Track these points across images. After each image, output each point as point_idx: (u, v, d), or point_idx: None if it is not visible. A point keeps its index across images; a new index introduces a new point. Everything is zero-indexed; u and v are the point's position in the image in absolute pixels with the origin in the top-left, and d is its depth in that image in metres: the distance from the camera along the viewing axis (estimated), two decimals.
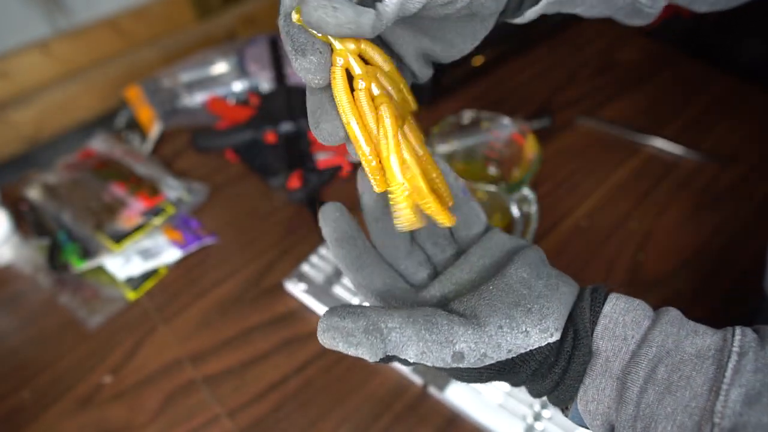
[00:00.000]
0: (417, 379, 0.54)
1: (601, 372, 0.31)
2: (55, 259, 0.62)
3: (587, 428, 0.33)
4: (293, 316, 0.59)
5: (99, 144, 0.74)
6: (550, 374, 0.32)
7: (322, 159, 0.71)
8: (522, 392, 0.52)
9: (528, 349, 0.31)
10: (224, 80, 0.81)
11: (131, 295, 0.61)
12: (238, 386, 0.54)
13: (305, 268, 0.61)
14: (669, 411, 0.29)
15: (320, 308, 0.59)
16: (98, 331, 0.59)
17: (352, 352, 0.29)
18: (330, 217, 0.36)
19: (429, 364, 0.30)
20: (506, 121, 0.61)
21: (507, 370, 0.32)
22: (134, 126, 0.77)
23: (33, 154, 0.93)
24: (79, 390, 0.55)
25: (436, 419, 0.52)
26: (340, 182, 0.72)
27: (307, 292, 0.60)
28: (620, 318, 0.31)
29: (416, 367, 0.54)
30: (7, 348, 0.58)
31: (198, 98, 0.79)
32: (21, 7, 0.86)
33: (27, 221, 0.66)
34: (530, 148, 0.59)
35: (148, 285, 0.62)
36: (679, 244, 0.65)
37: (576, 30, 0.93)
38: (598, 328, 0.32)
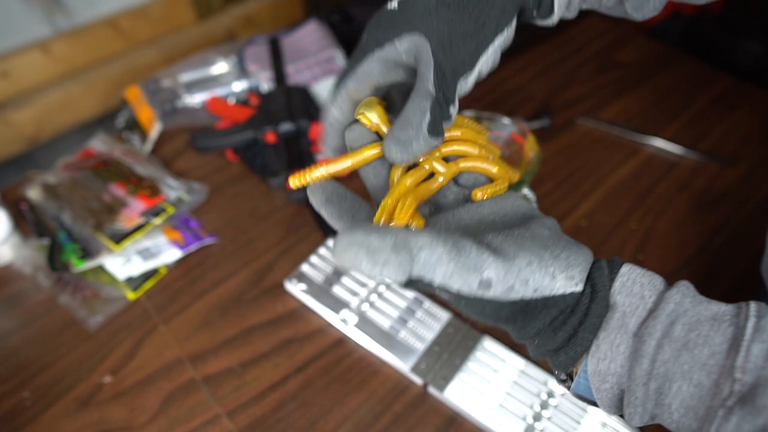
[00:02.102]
0: (417, 379, 0.54)
1: (616, 327, 0.30)
2: (55, 259, 0.62)
3: (590, 401, 0.33)
4: (293, 316, 0.59)
5: (99, 144, 0.74)
6: (564, 326, 0.31)
7: (322, 159, 0.71)
8: (522, 391, 0.52)
9: (552, 293, 0.31)
10: (224, 80, 0.81)
11: (131, 295, 0.61)
12: (238, 386, 0.54)
13: (305, 268, 0.61)
14: (686, 369, 0.28)
15: (320, 308, 0.59)
16: (98, 331, 0.59)
17: (377, 271, 0.27)
18: (317, 183, 0.36)
19: (455, 288, 0.29)
20: (506, 121, 0.61)
21: (527, 312, 0.31)
22: (134, 126, 0.77)
23: (33, 154, 0.93)
24: (79, 390, 0.55)
25: (436, 419, 0.52)
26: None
27: (307, 292, 0.60)
28: (637, 279, 0.32)
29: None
30: (7, 348, 0.58)
31: (198, 98, 0.79)
32: (21, 8, 0.86)
33: (27, 221, 0.66)
34: (530, 148, 0.59)
35: (148, 285, 0.62)
36: (679, 244, 0.65)
37: (576, 30, 0.93)
38: (616, 284, 0.32)
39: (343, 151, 0.39)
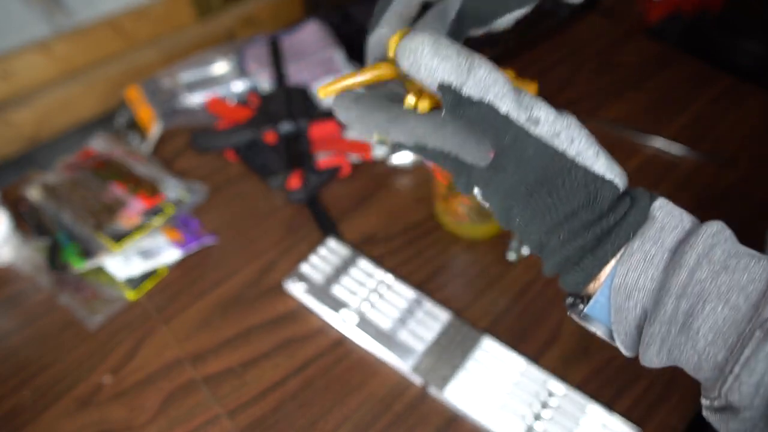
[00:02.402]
0: (417, 379, 0.54)
1: (652, 238, 0.29)
2: (55, 259, 0.62)
3: (604, 323, 0.31)
4: (293, 316, 0.59)
5: (99, 144, 0.74)
6: (599, 222, 0.29)
7: (322, 159, 0.71)
8: (522, 391, 0.52)
9: (593, 170, 0.30)
10: (224, 80, 0.81)
11: (131, 295, 0.61)
12: (238, 386, 0.54)
13: (305, 268, 0.61)
14: (723, 290, 0.27)
15: (320, 308, 0.59)
16: (98, 331, 0.59)
17: (434, 63, 0.28)
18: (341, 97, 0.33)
19: (503, 109, 0.28)
20: None
21: (563, 183, 0.29)
22: (134, 126, 0.77)
23: (33, 154, 0.93)
24: (79, 390, 0.55)
25: (436, 419, 0.52)
26: (340, 182, 0.72)
27: (307, 292, 0.60)
28: (674, 206, 0.31)
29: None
30: (7, 348, 0.58)
31: (198, 98, 0.79)
32: (21, 7, 0.86)
33: (27, 221, 0.66)
34: None
35: (148, 285, 0.62)
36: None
37: (576, 30, 0.93)
38: (656, 203, 0.31)
39: None
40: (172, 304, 0.61)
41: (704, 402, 0.29)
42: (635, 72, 0.87)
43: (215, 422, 0.52)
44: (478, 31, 0.38)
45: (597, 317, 0.31)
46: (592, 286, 0.30)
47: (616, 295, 0.29)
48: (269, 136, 0.72)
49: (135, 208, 0.65)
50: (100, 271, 0.62)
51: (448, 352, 0.55)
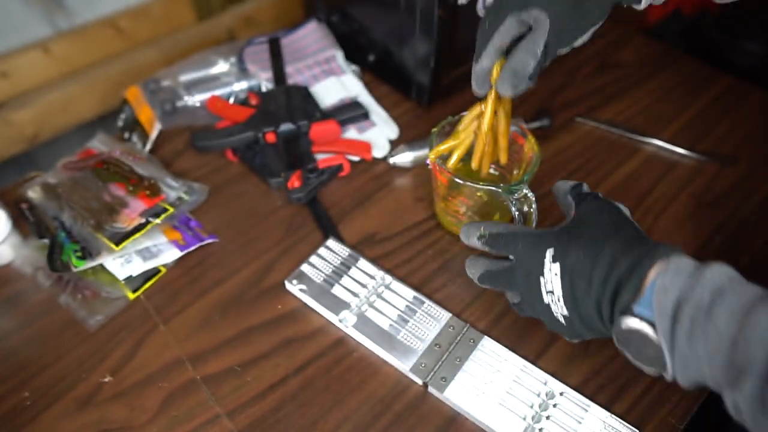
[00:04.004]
0: (417, 379, 0.54)
1: (677, 263, 0.39)
2: (55, 259, 0.62)
3: (647, 319, 0.39)
4: (293, 316, 0.59)
5: (99, 144, 0.74)
6: (632, 250, 0.42)
7: (322, 159, 0.71)
8: (522, 391, 0.52)
9: (624, 212, 0.48)
10: (224, 80, 0.81)
11: (131, 295, 0.61)
12: (238, 386, 0.54)
13: (305, 268, 0.61)
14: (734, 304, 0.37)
15: (320, 308, 0.59)
16: (98, 331, 0.59)
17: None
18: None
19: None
20: None
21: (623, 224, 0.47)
22: (134, 126, 0.77)
23: (33, 154, 0.93)
24: (79, 390, 0.55)
25: (436, 419, 0.52)
26: (340, 182, 0.72)
27: (307, 292, 0.60)
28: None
29: (417, 365, 0.54)
30: (7, 348, 0.58)
31: (198, 98, 0.79)
32: (21, 8, 0.86)
33: (27, 221, 0.66)
34: (530, 148, 0.59)
35: (148, 285, 0.62)
36: (679, 244, 0.65)
37: None
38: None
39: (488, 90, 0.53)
40: (172, 304, 0.61)
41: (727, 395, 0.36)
42: (635, 72, 0.87)
43: (215, 422, 0.52)
44: (563, 52, 0.49)
45: (642, 313, 0.39)
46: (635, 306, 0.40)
47: (656, 294, 0.38)
48: (269, 136, 0.72)
49: (135, 208, 0.65)
50: (100, 271, 0.62)
51: (448, 352, 0.55)
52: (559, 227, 0.47)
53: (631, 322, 0.39)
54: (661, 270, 0.39)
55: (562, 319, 0.46)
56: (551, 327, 0.49)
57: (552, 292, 0.45)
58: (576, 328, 0.46)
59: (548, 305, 0.46)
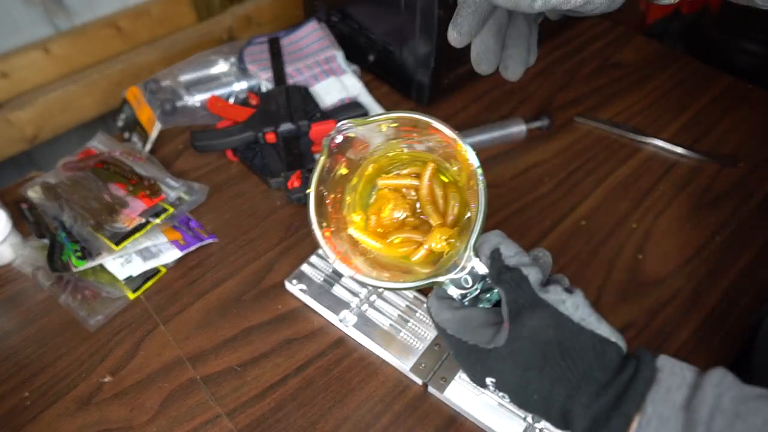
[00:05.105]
0: (417, 379, 0.54)
1: (662, 400, 0.31)
2: (55, 259, 0.62)
3: None
4: (293, 316, 0.59)
5: (99, 144, 0.74)
6: (614, 381, 0.32)
7: None
8: None
9: (598, 333, 0.34)
10: (224, 80, 0.81)
11: (131, 295, 0.61)
12: (238, 386, 0.54)
13: (305, 268, 0.61)
14: None
15: (320, 308, 0.59)
16: (98, 331, 0.59)
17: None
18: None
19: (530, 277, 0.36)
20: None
21: (572, 345, 0.34)
22: (134, 126, 0.77)
23: (33, 154, 0.93)
24: (79, 390, 0.55)
25: (436, 419, 0.52)
26: None
27: (307, 292, 0.60)
28: (675, 361, 0.33)
29: (418, 366, 0.54)
30: (7, 348, 0.58)
31: (198, 98, 0.79)
32: (21, 8, 0.86)
33: (27, 221, 0.66)
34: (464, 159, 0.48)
35: (148, 285, 0.62)
36: (679, 244, 0.65)
37: (576, 30, 0.93)
38: (658, 362, 0.33)
39: (475, 35, 0.40)
40: (172, 304, 0.61)
41: None
42: (635, 72, 0.87)
43: (215, 422, 0.52)
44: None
45: None
46: None
47: None
48: (269, 136, 0.72)
49: (135, 208, 0.65)
50: (100, 271, 0.62)
51: (448, 352, 0.55)
52: (502, 338, 0.36)
53: None
54: (641, 424, 0.31)
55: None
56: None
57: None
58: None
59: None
